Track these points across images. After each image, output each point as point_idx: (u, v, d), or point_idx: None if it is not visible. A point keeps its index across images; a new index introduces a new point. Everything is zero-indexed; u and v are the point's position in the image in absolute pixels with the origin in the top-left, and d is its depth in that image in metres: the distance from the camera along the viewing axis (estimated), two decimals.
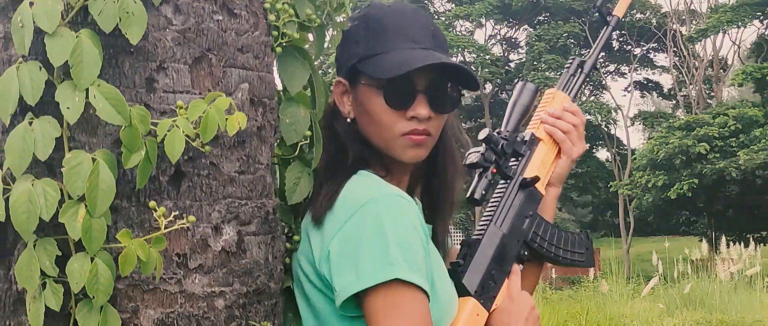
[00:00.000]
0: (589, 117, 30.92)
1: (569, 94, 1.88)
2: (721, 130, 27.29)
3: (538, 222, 1.79)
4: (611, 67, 37.13)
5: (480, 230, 1.74)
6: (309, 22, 1.80)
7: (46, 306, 1.50)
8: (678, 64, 34.72)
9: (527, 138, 1.81)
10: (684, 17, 35.19)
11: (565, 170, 1.83)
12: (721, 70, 34.94)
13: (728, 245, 14.92)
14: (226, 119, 1.56)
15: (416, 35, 1.60)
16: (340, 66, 1.67)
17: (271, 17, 1.74)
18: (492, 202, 1.77)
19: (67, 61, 1.50)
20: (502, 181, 1.79)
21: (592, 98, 34.47)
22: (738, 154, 26.66)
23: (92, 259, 1.50)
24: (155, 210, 1.53)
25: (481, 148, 1.72)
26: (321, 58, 1.90)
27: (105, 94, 1.50)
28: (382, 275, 1.44)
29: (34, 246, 1.51)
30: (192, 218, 1.55)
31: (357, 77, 1.63)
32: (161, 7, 1.59)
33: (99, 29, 1.53)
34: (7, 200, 1.49)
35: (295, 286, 1.68)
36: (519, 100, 1.78)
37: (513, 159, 1.78)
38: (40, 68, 1.51)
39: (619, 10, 1.95)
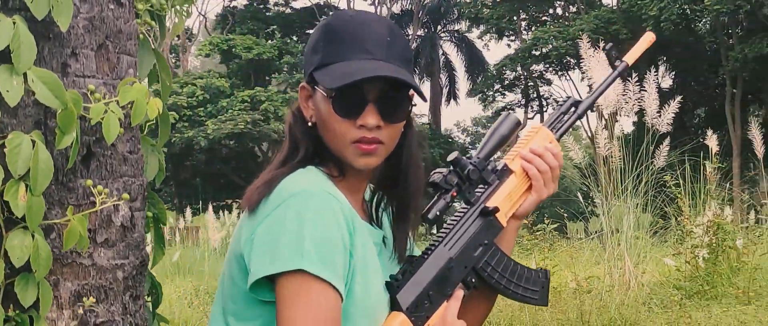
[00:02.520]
0: None
1: (555, 133, 1.92)
2: (189, 99, 28.83)
3: (492, 252, 1.81)
4: None
5: (428, 250, 1.78)
6: (159, 11, 2.07)
7: None
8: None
9: (499, 168, 1.85)
10: None
11: (531, 207, 1.88)
12: (188, 40, 36.66)
13: (194, 214, 16.01)
14: (148, 103, 1.80)
15: (370, 46, 1.66)
16: (304, 72, 1.75)
17: (139, 6, 1.98)
18: (448, 224, 1.80)
19: (7, 46, 1.62)
20: (464, 206, 1.81)
21: None
22: (206, 123, 28.41)
23: (33, 236, 1.65)
24: (94, 188, 1.73)
25: (445, 170, 1.77)
26: None
27: (42, 79, 1.67)
28: (291, 264, 1.53)
29: None
30: (126, 195, 1.78)
31: (314, 84, 1.69)
32: None
33: (29, 15, 1.68)
34: None
35: (226, 266, 1.77)
36: (498, 129, 1.83)
37: (480, 186, 1.82)
38: None
39: (629, 58, 2.01)
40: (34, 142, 1.66)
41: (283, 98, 30.47)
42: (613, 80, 2.00)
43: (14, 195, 1.64)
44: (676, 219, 8.36)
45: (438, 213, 1.73)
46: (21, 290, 1.67)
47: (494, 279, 1.81)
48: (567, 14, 33.27)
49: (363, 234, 1.66)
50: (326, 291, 1.54)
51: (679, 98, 8.96)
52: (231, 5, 36.21)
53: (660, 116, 8.34)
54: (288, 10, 36.93)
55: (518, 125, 1.85)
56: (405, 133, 1.74)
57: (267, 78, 33.36)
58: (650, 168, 8.14)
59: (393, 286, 1.70)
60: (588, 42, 7.78)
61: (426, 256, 1.74)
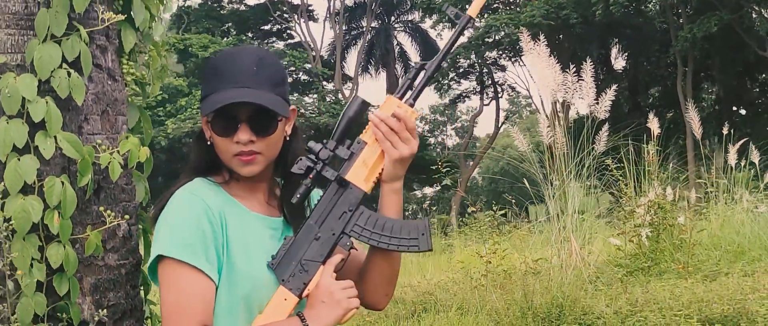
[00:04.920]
0: None
1: (402, 99, 2.07)
2: (148, 100, 29.48)
3: (360, 215, 2.02)
4: None
5: (299, 228, 2.03)
6: (141, 79, 2.90)
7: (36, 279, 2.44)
8: None
9: (353, 143, 2.05)
10: None
11: (393, 169, 2.03)
12: None
13: None
14: (139, 151, 2.63)
15: (236, 76, 1.97)
16: None
17: (128, 78, 2.80)
18: (316, 203, 2.06)
19: (43, 118, 2.43)
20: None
21: None
22: (166, 123, 29.09)
23: (64, 246, 2.47)
24: (105, 212, 2.55)
25: (301, 158, 2.04)
26: None
27: (67, 139, 2.48)
28: (154, 253, 1.97)
29: (24, 239, 2.42)
30: (126, 216, 2.60)
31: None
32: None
33: (55, 95, 2.49)
34: None
35: None
36: (346, 113, 2.03)
37: (343, 162, 2.04)
38: (23, 123, 2.42)
39: (472, 10, 2.14)
40: (62, 182, 2.47)
41: None
42: (458, 36, 2.17)
43: (51, 219, 2.45)
44: (618, 200, 9.13)
45: (298, 196, 2.01)
46: (58, 284, 2.48)
47: (367, 237, 2.04)
48: (519, 0, 34.24)
49: (248, 221, 2.03)
50: (182, 268, 1.93)
51: (615, 86, 9.73)
52: (185, 4, 36.85)
53: (597, 104, 9.17)
54: (242, 7, 37.62)
55: (364, 105, 2.06)
56: (290, 139, 2.09)
57: None
58: (592, 153, 8.90)
59: (271, 265, 2.01)
60: (528, 35, 8.26)
61: (297, 234, 2.03)
